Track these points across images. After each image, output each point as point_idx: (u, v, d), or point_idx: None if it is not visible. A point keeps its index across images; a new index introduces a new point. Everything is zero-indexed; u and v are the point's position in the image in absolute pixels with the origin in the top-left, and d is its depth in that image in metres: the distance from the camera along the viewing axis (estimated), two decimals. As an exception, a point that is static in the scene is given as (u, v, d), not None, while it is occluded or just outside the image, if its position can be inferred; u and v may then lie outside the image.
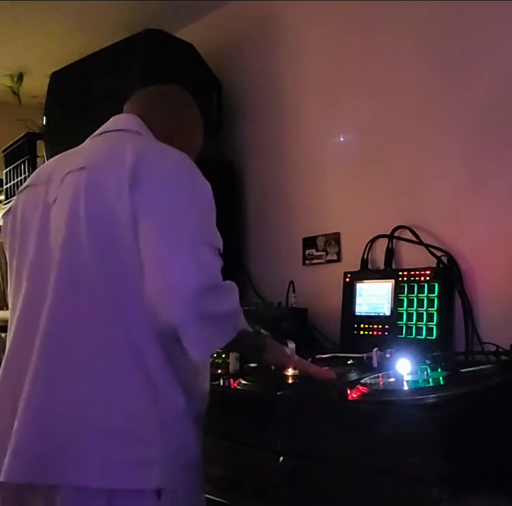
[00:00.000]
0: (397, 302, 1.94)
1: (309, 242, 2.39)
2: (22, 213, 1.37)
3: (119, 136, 1.38)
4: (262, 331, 1.45)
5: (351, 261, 2.18)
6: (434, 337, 1.82)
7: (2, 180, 3.27)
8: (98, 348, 1.19)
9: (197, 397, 1.32)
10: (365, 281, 2.07)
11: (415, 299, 1.89)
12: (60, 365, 1.20)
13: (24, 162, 3.02)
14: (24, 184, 1.43)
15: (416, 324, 1.87)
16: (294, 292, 2.32)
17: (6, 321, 1.36)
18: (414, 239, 1.99)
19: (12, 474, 1.15)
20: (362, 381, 1.40)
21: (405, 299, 1.92)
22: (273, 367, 1.52)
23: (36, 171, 1.47)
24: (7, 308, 1.44)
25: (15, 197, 1.45)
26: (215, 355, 1.75)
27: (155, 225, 1.21)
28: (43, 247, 1.28)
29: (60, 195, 1.29)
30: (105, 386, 1.18)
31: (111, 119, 1.45)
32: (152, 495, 1.17)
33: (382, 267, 2.07)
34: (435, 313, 1.84)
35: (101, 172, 1.26)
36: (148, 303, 1.20)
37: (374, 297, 2.02)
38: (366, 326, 2.01)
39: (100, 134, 1.41)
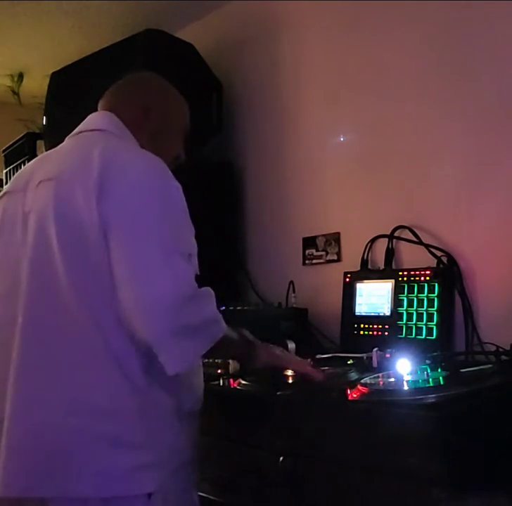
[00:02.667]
0: (397, 302, 1.94)
1: (309, 242, 2.39)
2: (2, 220, 1.35)
3: (90, 139, 1.36)
4: (249, 336, 1.40)
5: (351, 261, 2.18)
6: (434, 337, 1.82)
7: (2, 180, 3.28)
8: (78, 358, 1.19)
9: (189, 396, 1.31)
10: (365, 281, 2.07)
11: (415, 299, 1.89)
12: (40, 378, 1.19)
13: (24, 162, 3.02)
14: (4, 190, 1.42)
15: (415, 324, 1.87)
16: (294, 292, 2.31)
17: None
18: (414, 239, 1.99)
19: (6, 488, 1.17)
20: (362, 381, 1.40)
21: (405, 299, 1.91)
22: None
23: (15, 176, 1.45)
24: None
25: None
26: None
27: (124, 239, 1.19)
28: (21, 258, 1.26)
29: (34, 206, 1.27)
30: (89, 395, 1.18)
31: (88, 117, 1.44)
32: (144, 498, 1.18)
33: (382, 267, 2.07)
34: (435, 313, 1.84)
35: (69, 183, 1.24)
36: (124, 319, 1.18)
37: (374, 297, 2.02)
38: (366, 326, 2.01)
39: (77, 134, 1.40)
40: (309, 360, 1.56)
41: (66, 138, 1.42)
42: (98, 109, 1.47)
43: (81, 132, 1.40)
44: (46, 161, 1.37)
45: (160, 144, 1.44)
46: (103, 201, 1.18)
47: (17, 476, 1.17)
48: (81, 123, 1.43)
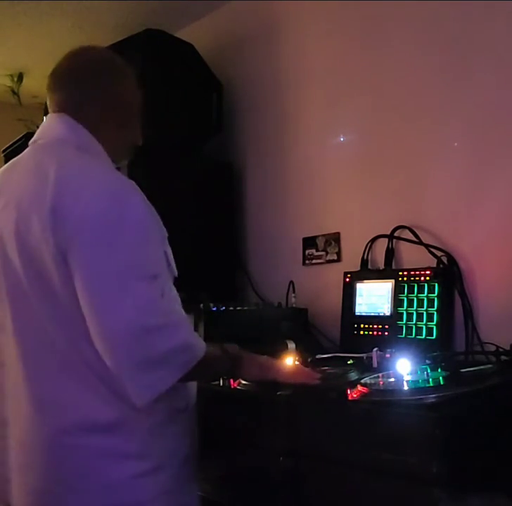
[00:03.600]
0: (397, 302, 1.94)
1: (309, 242, 2.39)
2: None
3: (46, 154, 1.28)
4: (233, 352, 1.35)
5: (351, 261, 2.18)
6: (434, 337, 1.82)
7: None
8: (64, 380, 1.19)
9: (181, 396, 1.31)
10: (365, 281, 2.07)
11: (415, 299, 1.89)
12: (32, 401, 1.21)
13: (24, 162, 3.02)
14: None
15: (416, 324, 1.87)
16: (294, 292, 2.32)
17: None
18: (414, 239, 1.99)
19: None
20: (362, 381, 1.40)
21: (405, 299, 1.92)
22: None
23: None
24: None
25: None
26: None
27: (81, 269, 1.14)
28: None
29: (4, 230, 1.23)
30: (81, 413, 1.19)
31: (44, 120, 1.35)
32: (145, 504, 1.21)
33: (382, 267, 2.07)
34: (435, 313, 1.84)
35: (26, 213, 1.19)
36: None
37: (374, 297, 2.02)
38: (366, 326, 2.01)
39: (34, 143, 1.33)
40: (297, 360, 1.56)
41: (29, 143, 1.34)
42: (49, 107, 1.36)
43: (38, 140, 1.33)
44: (11, 173, 1.31)
45: (129, 129, 1.40)
46: (57, 231, 1.15)
47: (19, 493, 1.21)
48: (39, 127, 1.35)
